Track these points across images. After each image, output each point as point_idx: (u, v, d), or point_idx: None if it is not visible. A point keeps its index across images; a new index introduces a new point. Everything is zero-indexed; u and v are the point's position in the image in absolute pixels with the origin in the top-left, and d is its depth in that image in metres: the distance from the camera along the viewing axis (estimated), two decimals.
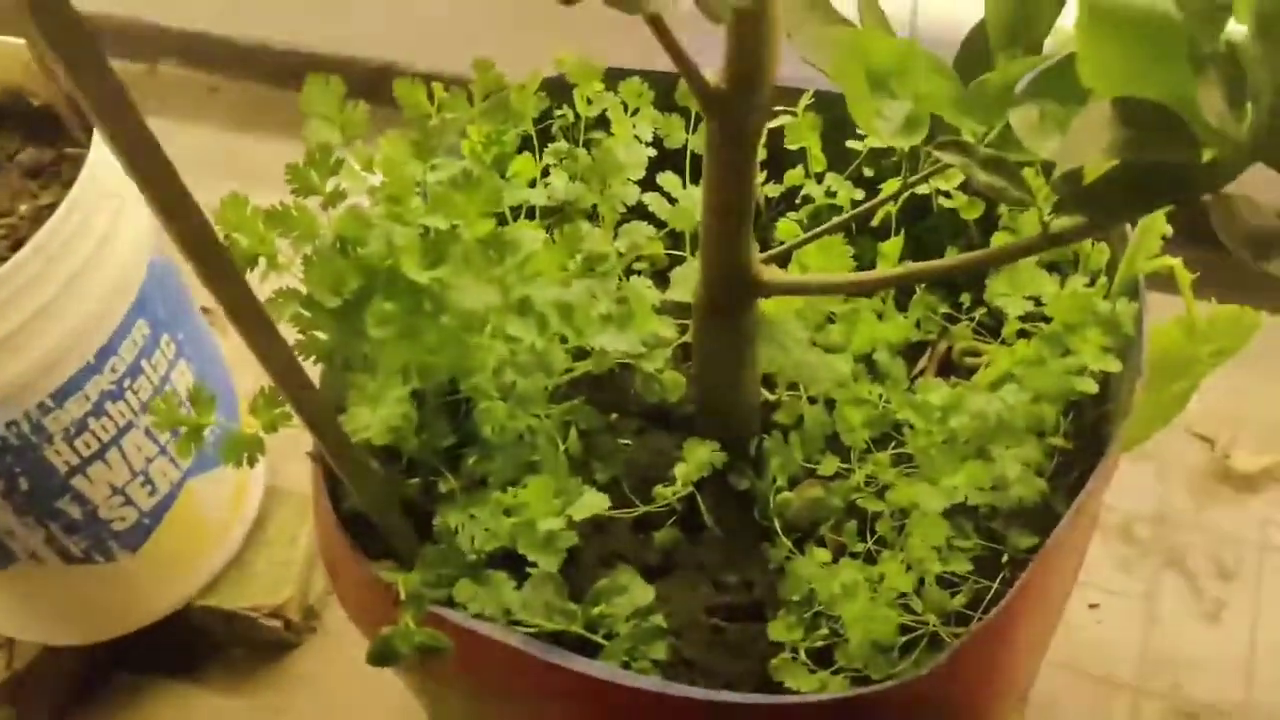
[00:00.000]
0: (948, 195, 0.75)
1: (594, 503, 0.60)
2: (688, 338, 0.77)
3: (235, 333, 0.50)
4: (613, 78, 0.76)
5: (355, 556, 0.61)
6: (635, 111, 0.74)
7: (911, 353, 0.74)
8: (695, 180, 0.74)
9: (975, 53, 0.56)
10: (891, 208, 0.71)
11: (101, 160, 0.87)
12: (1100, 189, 0.46)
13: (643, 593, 0.62)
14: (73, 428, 0.89)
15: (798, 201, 0.78)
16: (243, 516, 1.13)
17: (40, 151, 0.98)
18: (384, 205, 0.63)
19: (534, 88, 0.69)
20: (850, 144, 0.76)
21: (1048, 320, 0.69)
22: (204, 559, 1.09)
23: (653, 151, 0.75)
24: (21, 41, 0.97)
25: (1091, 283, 0.68)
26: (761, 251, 0.60)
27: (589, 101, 0.76)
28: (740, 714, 0.55)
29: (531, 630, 0.61)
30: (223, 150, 1.55)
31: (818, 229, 0.60)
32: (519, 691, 0.60)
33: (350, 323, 0.62)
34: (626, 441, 0.73)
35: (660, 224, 0.76)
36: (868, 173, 0.78)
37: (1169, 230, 0.63)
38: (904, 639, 0.60)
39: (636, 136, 0.74)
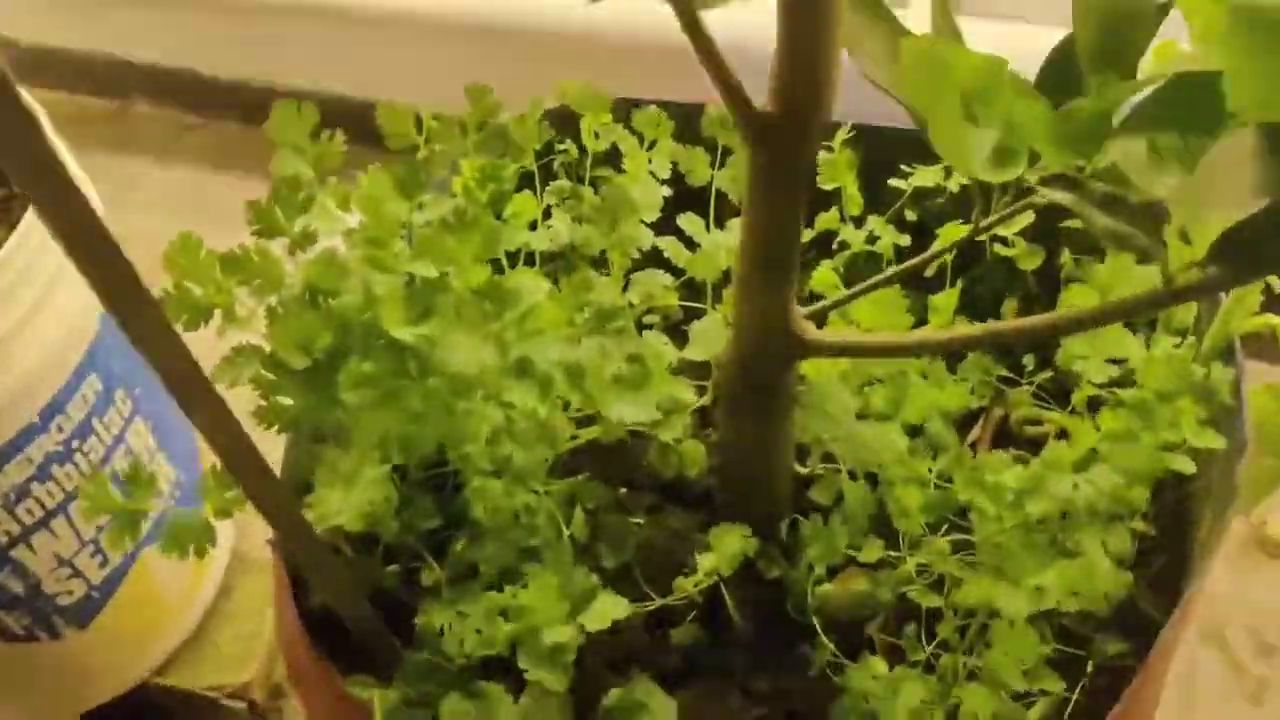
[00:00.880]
0: (1004, 242, 0.66)
1: (610, 609, 0.51)
2: (705, 400, 0.68)
3: None
4: (622, 109, 0.68)
5: (322, 668, 0.51)
6: (651, 145, 0.66)
7: (960, 420, 0.65)
8: (720, 223, 0.65)
9: (1060, 75, 0.48)
10: (947, 256, 0.62)
11: None
12: (1245, 235, 0.37)
13: (664, 709, 0.52)
14: (13, 493, 0.81)
15: (834, 247, 0.69)
16: (205, 587, 1.06)
17: None
18: (362, 249, 0.54)
19: (536, 116, 0.60)
20: (893, 183, 0.67)
21: (1122, 385, 0.60)
22: (161, 634, 1.00)
23: (668, 190, 0.66)
24: None
25: (1178, 343, 0.59)
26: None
27: (596, 135, 0.68)
28: None
29: None
30: (195, 191, 1.47)
31: (873, 280, 0.51)
32: None
33: (321, 386, 0.54)
34: (638, 521, 0.64)
35: (676, 271, 0.67)
36: (909, 216, 0.69)
37: (1275, 284, 0.54)
38: None
39: (651, 173, 0.65)
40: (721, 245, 0.64)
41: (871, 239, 0.68)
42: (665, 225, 0.67)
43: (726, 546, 0.56)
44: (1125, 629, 0.57)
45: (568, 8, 1.15)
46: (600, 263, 0.67)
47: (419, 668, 0.52)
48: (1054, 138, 0.43)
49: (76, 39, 1.55)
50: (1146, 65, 0.49)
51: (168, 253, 0.54)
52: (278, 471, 0.58)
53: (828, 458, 0.64)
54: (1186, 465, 0.54)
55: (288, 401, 0.54)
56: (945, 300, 0.61)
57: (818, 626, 0.59)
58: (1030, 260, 0.66)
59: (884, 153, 0.69)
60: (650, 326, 0.69)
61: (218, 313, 0.54)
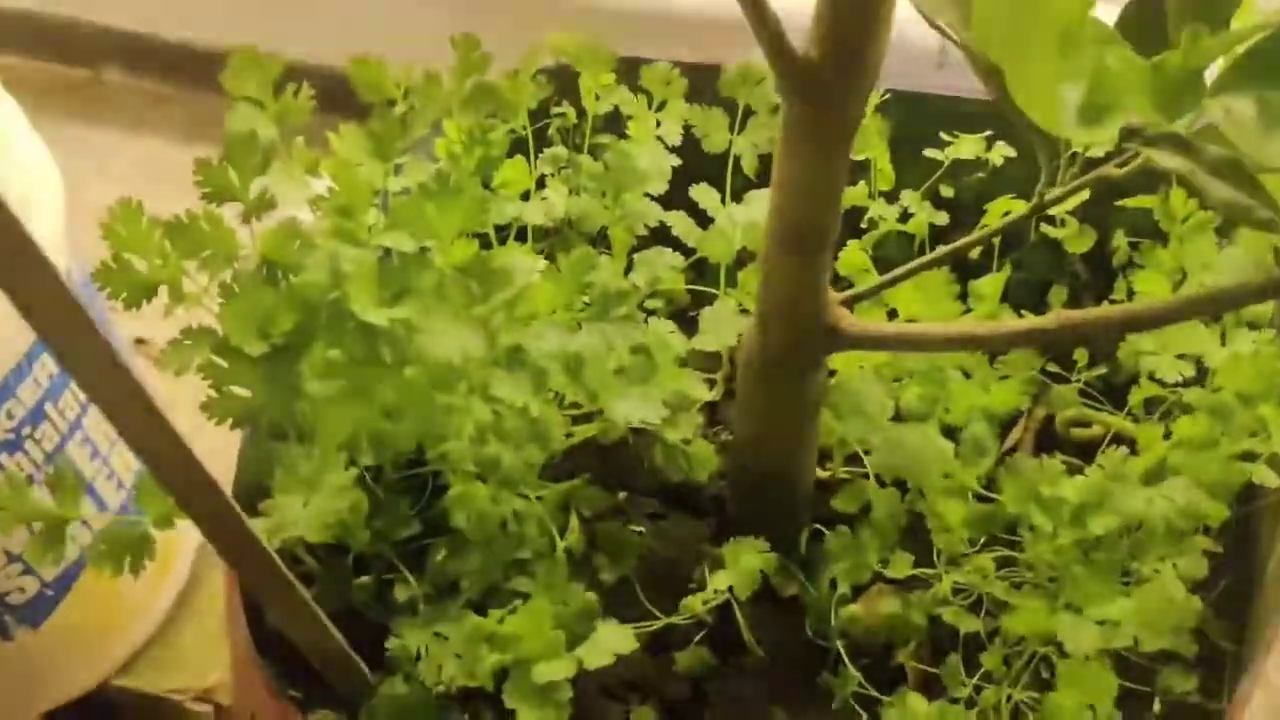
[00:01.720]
0: (1052, 221, 0.59)
1: (613, 641, 0.44)
2: (715, 395, 0.61)
3: None
4: (626, 70, 0.61)
5: (278, 700, 0.44)
6: (661, 106, 0.58)
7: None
8: (737, 197, 0.58)
9: (1142, 25, 0.41)
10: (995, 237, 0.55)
11: None
12: None
13: None
14: None
15: (862, 226, 0.62)
16: (168, 582, 1.00)
17: None
18: (330, 219, 0.47)
19: (530, 70, 0.53)
20: (929, 154, 0.60)
21: (1185, 385, 0.54)
22: (121, 634, 0.94)
23: (676, 160, 0.59)
24: None
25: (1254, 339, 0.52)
26: None
27: (596, 97, 0.60)
28: None
29: None
30: (170, 164, 1.41)
31: (918, 262, 0.44)
32: None
33: (280, 376, 0.47)
34: (639, 530, 0.57)
35: (684, 250, 0.60)
36: (945, 192, 0.62)
37: None
38: None
39: (659, 139, 0.58)
40: (739, 221, 0.57)
41: (904, 216, 0.61)
42: (672, 199, 0.60)
43: (742, 563, 0.50)
44: (1189, 660, 0.50)
45: None
46: (599, 240, 0.60)
47: (390, 701, 0.46)
48: (1150, 93, 0.36)
49: (45, 2, 1.48)
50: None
51: (105, 221, 0.47)
52: (230, 474, 0.51)
53: (851, 460, 0.58)
54: (1270, 477, 0.47)
55: (242, 393, 0.47)
56: (991, 285, 0.54)
57: (842, 652, 0.52)
58: (1081, 243, 0.59)
59: (918, 122, 0.62)
60: (653, 312, 0.62)
61: (163, 289, 0.47)
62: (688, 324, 0.59)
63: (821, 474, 0.58)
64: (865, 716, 0.50)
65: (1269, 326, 0.54)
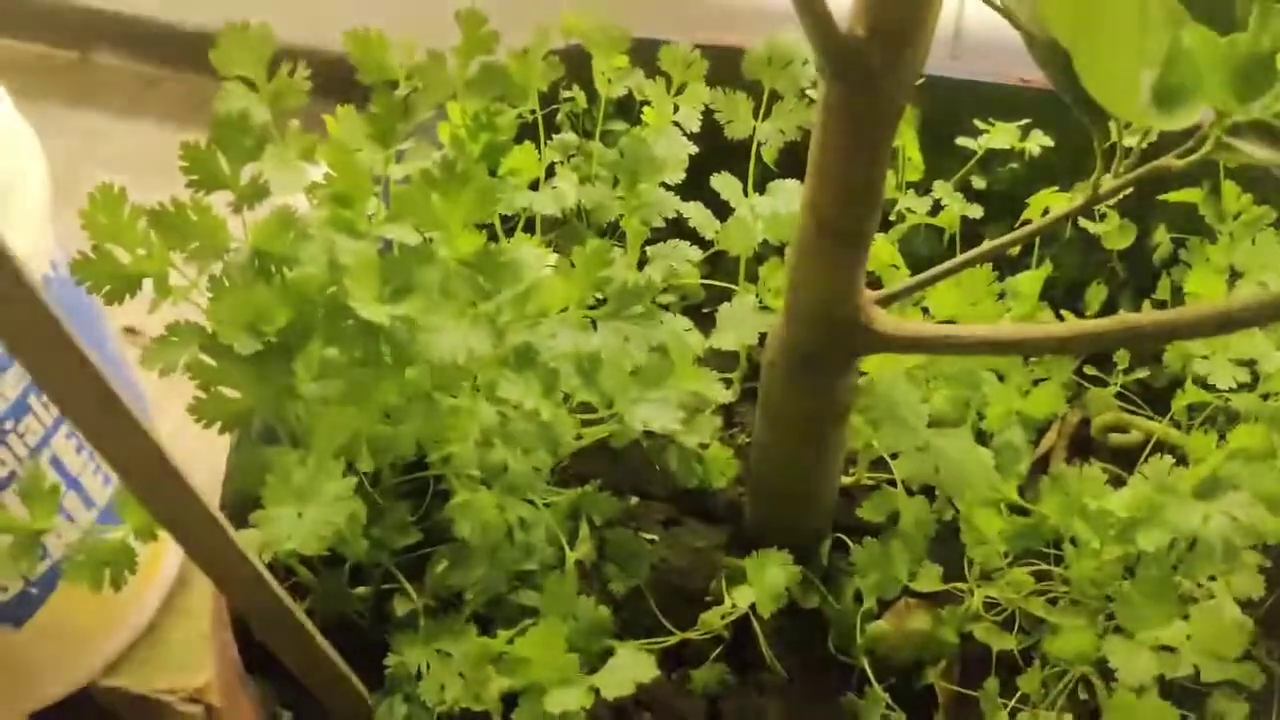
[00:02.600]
0: (1091, 216, 0.56)
1: (633, 669, 0.41)
2: (732, 396, 0.58)
3: None
4: (643, 51, 0.57)
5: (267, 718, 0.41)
6: (680, 90, 0.55)
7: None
8: (759, 187, 0.55)
9: (1208, 5, 0.38)
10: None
11: None
12: None
13: None
14: None
15: (891, 218, 0.59)
16: (157, 581, 0.98)
17: None
18: (327, 208, 0.44)
19: (541, 51, 0.50)
20: (962, 142, 0.57)
21: (1233, 390, 0.51)
22: (108, 632, 0.92)
23: (694, 148, 0.56)
24: None
25: None
26: None
27: (609, 80, 0.57)
28: None
29: None
30: (161, 148, 1.37)
31: (953, 262, 0.41)
32: None
33: (273, 376, 0.44)
34: (652, 537, 0.54)
35: (701, 243, 0.56)
36: (977, 184, 0.59)
37: None
38: None
39: (677, 124, 0.55)
40: (761, 213, 0.53)
41: (935, 209, 0.58)
42: (689, 190, 0.56)
43: (766, 578, 0.47)
44: (1238, 681, 0.47)
45: None
46: (611, 232, 0.57)
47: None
48: (1229, 76, 0.33)
49: None
50: None
51: (85, 209, 0.43)
52: (220, 481, 0.48)
53: (875, 465, 0.55)
54: None
55: (232, 394, 0.44)
56: (1030, 283, 0.51)
57: (868, 670, 0.49)
58: (1121, 239, 0.56)
59: (948, 108, 0.58)
60: (666, 308, 0.59)
61: (148, 282, 0.44)
62: (702, 320, 0.56)
63: (845, 480, 0.55)
64: None
65: None
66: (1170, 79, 0.32)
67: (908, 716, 0.48)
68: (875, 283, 0.54)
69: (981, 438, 0.52)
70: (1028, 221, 0.47)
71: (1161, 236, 0.57)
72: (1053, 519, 0.44)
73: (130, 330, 0.99)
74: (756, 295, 0.56)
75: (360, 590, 0.51)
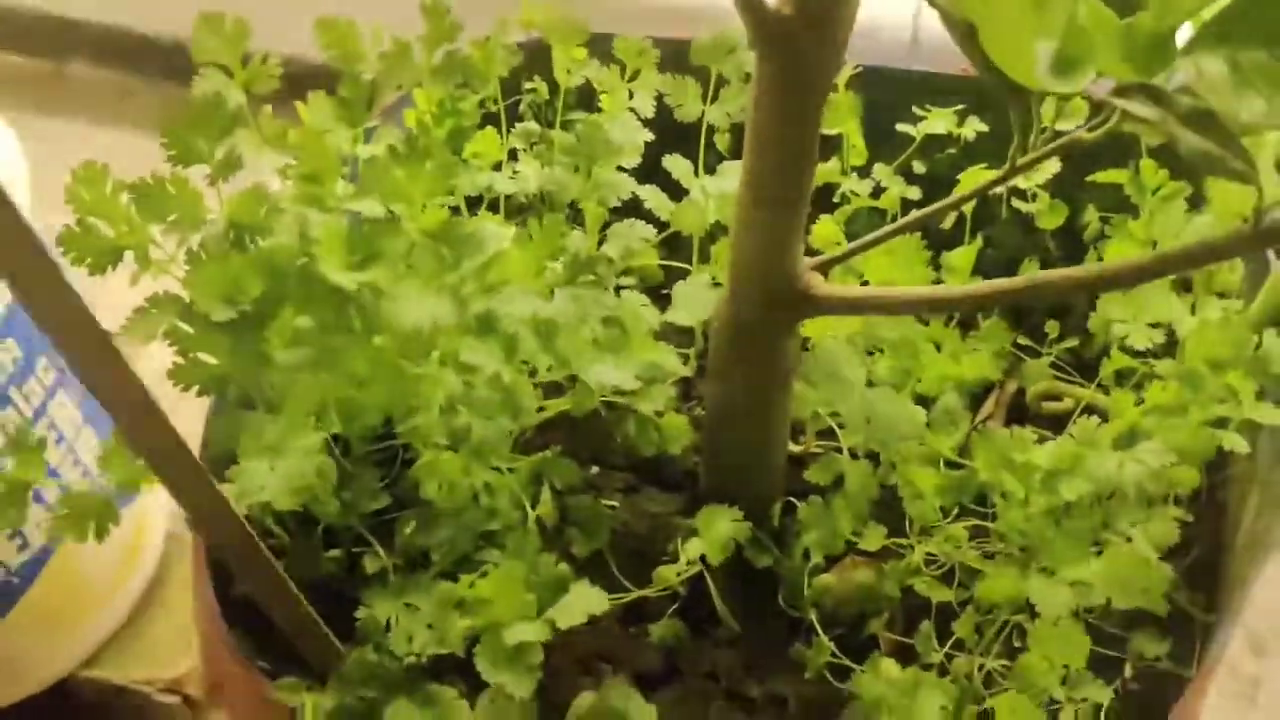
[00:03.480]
0: (1023, 196, 0.59)
1: (586, 602, 0.44)
2: (688, 370, 0.61)
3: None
4: (600, 44, 0.60)
5: (245, 668, 0.44)
6: (634, 77, 0.58)
7: (970, 395, 0.58)
8: (710, 168, 0.58)
9: None
10: (966, 208, 0.55)
11: None
12: None
13: (642, 716, 0.45)
14: None
15: (835, 200, 0.62)
16: (137, 572, 0.99)
17: None
18: (298, 184, 0.47)
19: (502, 39, 0.53)
20: (902, 128, 0.60)
21: (1155, 356, 0.54)
22: (88, 623, 0.93)
23: (650, 134, 0.59)
24: None
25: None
26: None
27: (569, 71, 0.60)
28: None
29: None
30: (137, 157, 1.39)
31: (886, 229, 0.44)
32: None
33: (248, 342, 0.47)
34: (612, 503, 0.57)
35: (657, 225, 0.59)
36: (918, 168, 0.62)
37: None
38: None
39: (632, 110, 0.58)
40: (712, 194, 0.57)
41: (876, 191, 0.61)
42: (646, 173, 0.59)
43: (715, 531, 0.50)
44: (1161, 626, 0.50)
45: None
46: (572, 214, 0.60)
47: (360, 668, 0.45)
48: (1121, 49, 0.36)
49: None
50: None
51: (70, 186, 0.46)
52: (197, 442, 0.50)
53: (824, 434, 0.58)
54: (1240, 444, 0.47)
55: (209, 359, 0.47)
56: (963, 257, 0.54)
57: (815, 622, 0.52)
58: (1052, 217, 0.60)
59: (890, 96, 0.62)
60: (628, 288, 0.62)
61: (129, 254, 0.47)
62: (662, 301, 0.59)
63: (794, 448, 0.58)
64: (837, 685, 0.49)
65: (1238, 297, 0.54)
66: (1067, 50, 0.35)
67: (853, 662, 0.51)
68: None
69: (925, 405, 0.55)
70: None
71: (1091, 216, 0.60)
72: (983, 473, 0.47)
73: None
74: (710, 274, 0.58)
75: (333, 553, 0.53)
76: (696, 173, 0.57)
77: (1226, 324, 0.47)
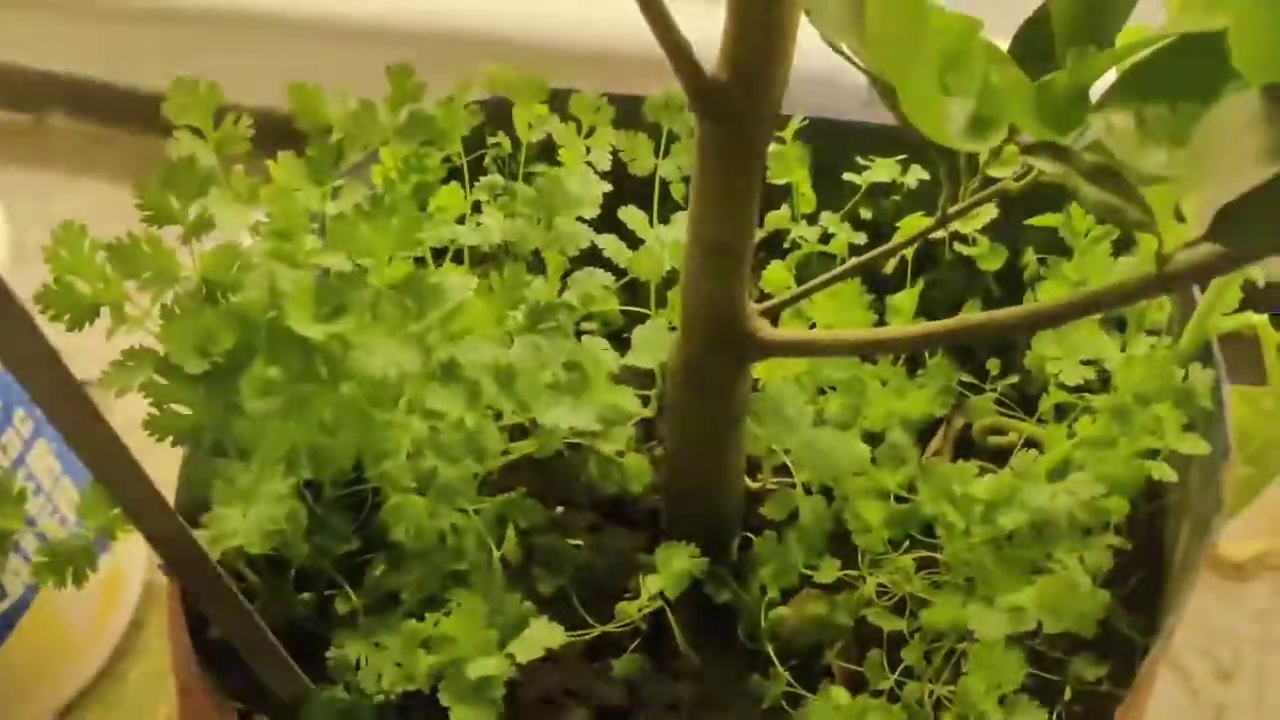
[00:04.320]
0: (965, 240, 0.62)
1: (544, 636, 0.46)
2: (649, 412, 0.63)
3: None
4: (558, 101, 0.63)
5: (220, 710, 0.45)
6: (590, 133, 0.61)
7: (919, 431, 0.60)
8: (665, 218, 0.61)
9: (1033, 46, 0.44)
10: (908, 252, 0.58)
11: None
12: (1250, 209, 0.33)
13: None
14: None
15: (785, 246, 0.65)
16: (114, 620, 1.00)
17: None
18: (269, 241, 0.49)
19: (464, 99, 0.55)
20: (848, 177, 0.63)
21: (1092, 391, 0.57)
22: (67, 671, 0.94)
23: (608, 186, 0.61)
24: None
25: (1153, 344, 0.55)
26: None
27: (530, 126, 0.63)
28: None
29: None
30: (116, 206, 1.40)
31: (829, 274, 0.47)
32: None
33: (220, 393, 0.48)
34: (576, 542, 0.59)
35: (617, 273, 0.62)
36: (864, 214, 0.65)
37: (1259, 277, 0.51)
38: None
39: (590, 164, 0.61)
40: (666, 242, 0.59)
41: (825, 237, 0.64)
42: (605, 222, 0.62)
43: (673, 567, 0.52)
44: (1101, 651, 0.53)
45: (497, 12, 1.11)
46: (534, 264, 0.62)
47: (329, 706, 0.47)
48: (1033, 109, 0.39)
49: None
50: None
51: (49, 246, 0.48)
52: (172, 491, 0.52)
53: (779, 471, 0.60)
54: (1168, 473, 0.50)
55: (184, 410, 0.49)
56: (905, 300, 0.57)
57: (771, 654, 0.54)
58: (993, 260, 0.62)
59: (837, 147, 0.65)
60: (589, 333, 0.64)
61: (106, 310, 0.49)
62: (623, 344, 0.61)
63: (752, 484, 0.60)
64: (792, 713, 0.51)
65: (1167, 333, 0.57)
66: (982, 110, 0.38)
67: (808, 691, 0.53)
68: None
69: (873, 440, 0.57)
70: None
71: (1030, 257, 0.63)
72: (926, 505, 0.50)
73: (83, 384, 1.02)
74: (668, 318, 0.61)
75: (305, 595, 0.55)
76: (651, 223, 0.60)
77: (1150, 359, 0.50)
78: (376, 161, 0.57)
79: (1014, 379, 0.60)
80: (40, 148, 1.50)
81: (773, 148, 0.63)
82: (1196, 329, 0.54)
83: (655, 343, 0.59)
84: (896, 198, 0.64)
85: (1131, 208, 0.35)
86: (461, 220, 0.61)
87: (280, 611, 0.53)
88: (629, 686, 0.55)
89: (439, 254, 0.62)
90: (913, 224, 0.57)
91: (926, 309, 0.63)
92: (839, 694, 0.48)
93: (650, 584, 0.52)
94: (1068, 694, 0.50)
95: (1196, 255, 0.36)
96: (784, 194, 0.66)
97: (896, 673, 0.51)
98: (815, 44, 0.41)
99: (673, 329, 0.60)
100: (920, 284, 0.59)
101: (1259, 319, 0.53)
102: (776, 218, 0.65)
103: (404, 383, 0.49)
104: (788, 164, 0.63)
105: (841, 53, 0.40)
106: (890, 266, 0.61)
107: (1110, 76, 0.42)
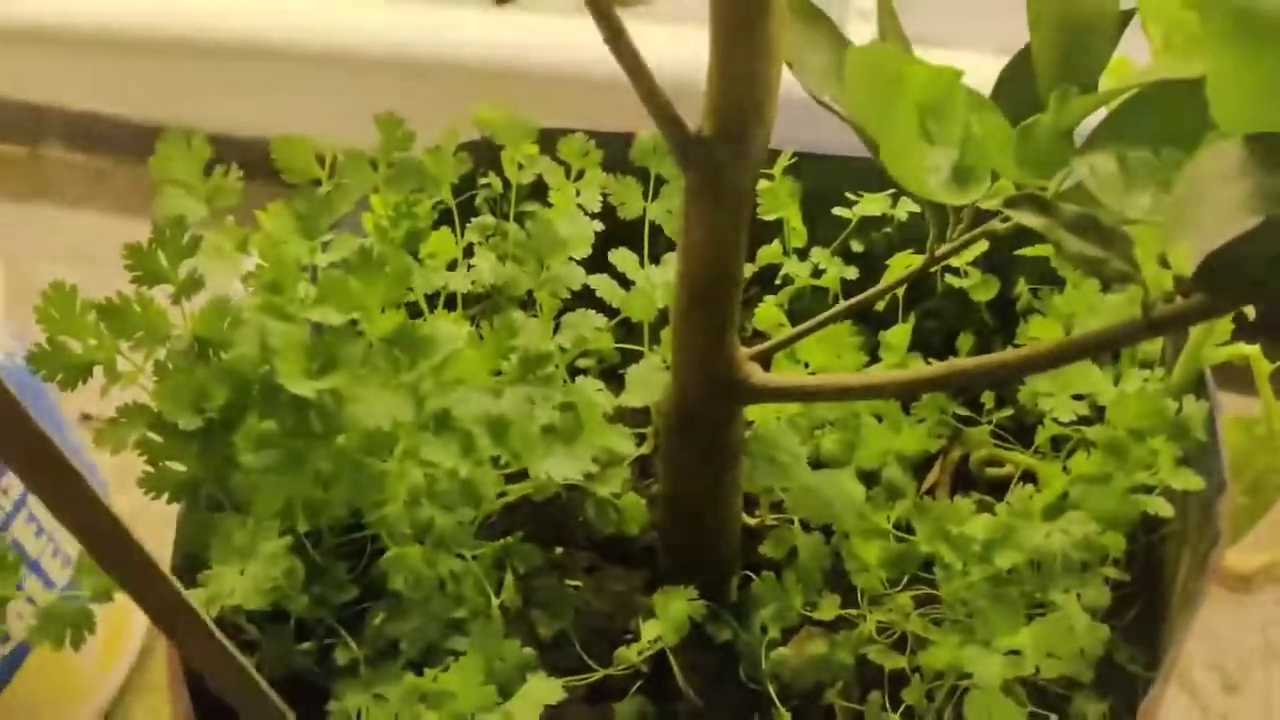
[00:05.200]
0: (956, 273, 0.62)
1: (543, 693, 0.46)
2: (645, 449, 0.63)
3: None
4: (548, 141, 0.63)
5: None
6: (579, 175, 0.61)
7: (916, 463, 0.60)
8: (655, 258, 0.61)
9: (1016, 92, 0.44)
10: (899, 289, 0.58)
11: None
12: (1233, 259, 0.33)
13: None
14: None
15: (777, 282, 0.65)
16: (120, 658, 0.99)
17: None
18: (259, 295, 0.49)
19: (452, 145, 0.56)
20: (838, 212, 0.63)
21: (1089, 422, 0.56)
22: (72, 711, 0.93)
23: (599, 225, 0.62)
24: None
25: (1146, 376, 0.55)
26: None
27: (520, 166, 0.63)
28: None
29: None
30: (113, 238, 1.41)
31: (820, 317, 0.47)
32: None
33: (215, 449, 0.48)
34: (575, 583, 0.59)
35: (610, 312, 0.62)
36: (855, 247, 0.65)
37: (1249, 311, 0.51)
38: None
39: (580, 206, 0.61)
40: (658, 282, 0.59)
41: (816, 272, 0.64)
42: (597, 263, 0.62)
43: (671, 612, 0.51)
44: (1102, 685, 0.52)
45: (484, 44, 1.11)
46: (528, 305, 0.62)
47: None
48: (1016, 156, 0.39)
49: None
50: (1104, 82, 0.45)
51: (40, 307, 0.48)
52: (170, 546, 0.52)
53: (777, 507, 0.60)
54: (1164, 508, 0.50)
55: (178, 467, 0.49)
56: (898, 336, 0.57)
57: (773, 694, 0.54)
58: (985, 291, 0.62)
59: (828, 182, 0.65)
60: (585, 371, 0.64)
61: (98, 370, 0.49)
62: (619, 382, 0.61)
63: (750, 521, 0.60)
64: None
65: (1160, 364, 0.57)
66: (964, 160, 0.38)
67: None
68: (766, 340, 0.59)
69: (872, 477, 0.57)
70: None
71: (1022, 288, 0.63)
72: (923, 545, 0.49)
73: (86, 416, 1.02)
74: (662, 357, 0.61)
75: (305, 645, 0.55)
76: (642, 264, 0.60)
77: (1142, 394, 0.50)
78: (367, 207, 0.57)
79: (1009, 410, 0.60)
80: (37, 180, 1.50)
81: (763, 183, 0.63)
82: (1189, 361, 0.53)
83: (649, 381, 0.59)
84: (888, 230, 0.65)
85: (1115, 259, 0.35)
86: (453, 266, 0.61)
87: (280, 663, 0.53)
88: None
89: (432, 298, 0.62)
90: (903, 261, 0.57)
91: (920, 340, 0.63)
92: None
93: (649, 630, 0.52)
94: None
95: (1183, 304, 0.36)
96: (775, 229, 0.66)
97: (898, 713, 0.51)
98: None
99: (667, 368, 0.60)
100: (913, 318, 0.59)
101: (1251, 350, 0.53)
102: (768, 252, 0.65)
103: (399, 434, 0.49)
104: (778, 199, 0.63)
105: (824, 104, 0.40)
106: (882, 305, 0.61)
107: (1097, 116, 0.42)
